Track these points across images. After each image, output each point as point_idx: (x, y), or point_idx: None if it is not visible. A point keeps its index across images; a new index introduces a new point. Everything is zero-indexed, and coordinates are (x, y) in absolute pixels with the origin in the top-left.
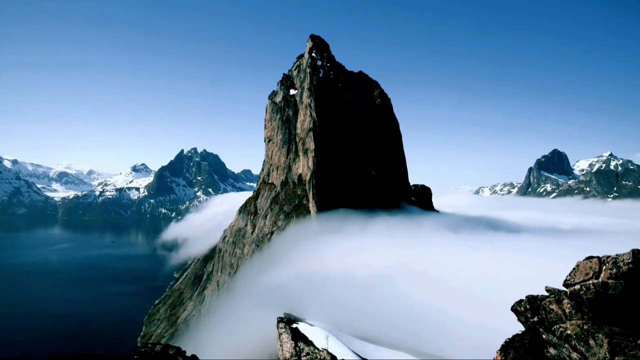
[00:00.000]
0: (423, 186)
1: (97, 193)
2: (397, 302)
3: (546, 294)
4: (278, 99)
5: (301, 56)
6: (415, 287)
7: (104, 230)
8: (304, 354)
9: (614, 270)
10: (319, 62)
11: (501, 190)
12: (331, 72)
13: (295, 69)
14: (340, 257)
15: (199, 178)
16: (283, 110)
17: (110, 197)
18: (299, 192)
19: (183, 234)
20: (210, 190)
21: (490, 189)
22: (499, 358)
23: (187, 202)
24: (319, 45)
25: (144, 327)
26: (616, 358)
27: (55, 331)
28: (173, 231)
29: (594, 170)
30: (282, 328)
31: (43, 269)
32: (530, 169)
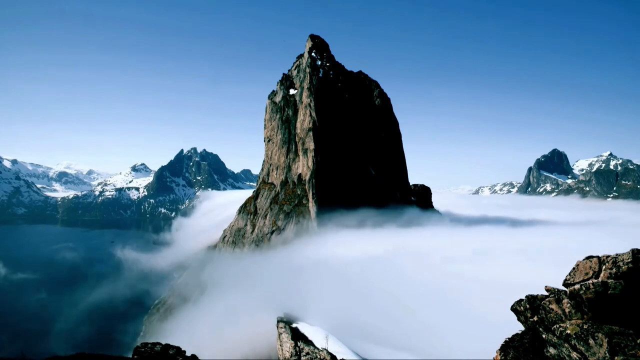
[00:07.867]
0: (423, 186)
1: (97, 193)
2: (397, 302)
3: (546, 293)
4: (278, 98)
5: (301, 56)
6: (415, 287)
7: (104, 229)
8: (304, 353)
9: (614, 269)
10: (319, 62)
11: (501, 189)
12: (331, 72)
13: (295, 69)
14: (339, 257)
15: (199, 178)
16: (283, 110)
17: (110, 197)
18: (299, 192)
19: (183, 234)
20: (210, 190)
21: (490, 188)
22: (499, 358)
23: (186, 202)
24: (319, 45)
25: (143, 327)
26: (616, 358)
27: (55, 331)
28: (173, 231)
29: (593, 170)
30: (282, 328)
31: (42, 268)
32: (529, 169)
